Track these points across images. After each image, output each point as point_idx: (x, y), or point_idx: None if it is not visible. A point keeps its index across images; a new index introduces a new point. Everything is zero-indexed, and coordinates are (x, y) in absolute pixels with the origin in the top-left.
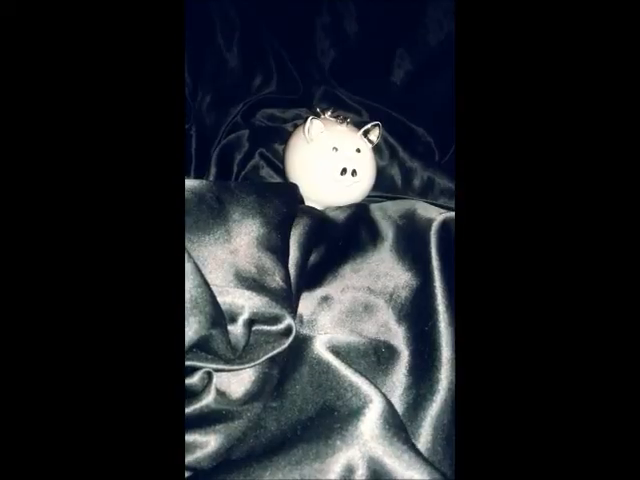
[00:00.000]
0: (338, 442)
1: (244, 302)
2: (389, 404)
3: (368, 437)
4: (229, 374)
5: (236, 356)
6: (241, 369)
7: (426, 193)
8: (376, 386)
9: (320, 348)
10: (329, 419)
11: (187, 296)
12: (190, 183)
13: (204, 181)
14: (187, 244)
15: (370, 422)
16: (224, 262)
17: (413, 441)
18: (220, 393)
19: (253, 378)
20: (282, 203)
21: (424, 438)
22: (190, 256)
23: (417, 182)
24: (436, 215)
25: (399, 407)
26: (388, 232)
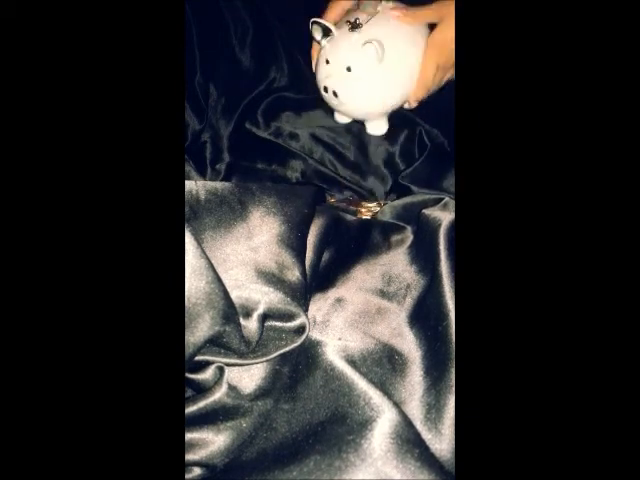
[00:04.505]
0: (352, 457)
1: (260, 297)
2: (402, 415)
3: (381, 453)
4: (240, 369)
5: (249, 350)
6: (253, 364)
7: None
8: (389, 398)
9: (334, 356)
10: (341, 427)
11: (201, 292)
12: (211, 185)
13: (225, 183)
14: (209, 242)
15: (382, 437)
16: (245, 259)
17: (430, 450)
18: (231, 388)
19: (264, 374)
20: (302, 204)
21: (448, 437)
22: (204, 253)
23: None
24: (444, 215)
25: (421, 410)
26: (400, 234)
